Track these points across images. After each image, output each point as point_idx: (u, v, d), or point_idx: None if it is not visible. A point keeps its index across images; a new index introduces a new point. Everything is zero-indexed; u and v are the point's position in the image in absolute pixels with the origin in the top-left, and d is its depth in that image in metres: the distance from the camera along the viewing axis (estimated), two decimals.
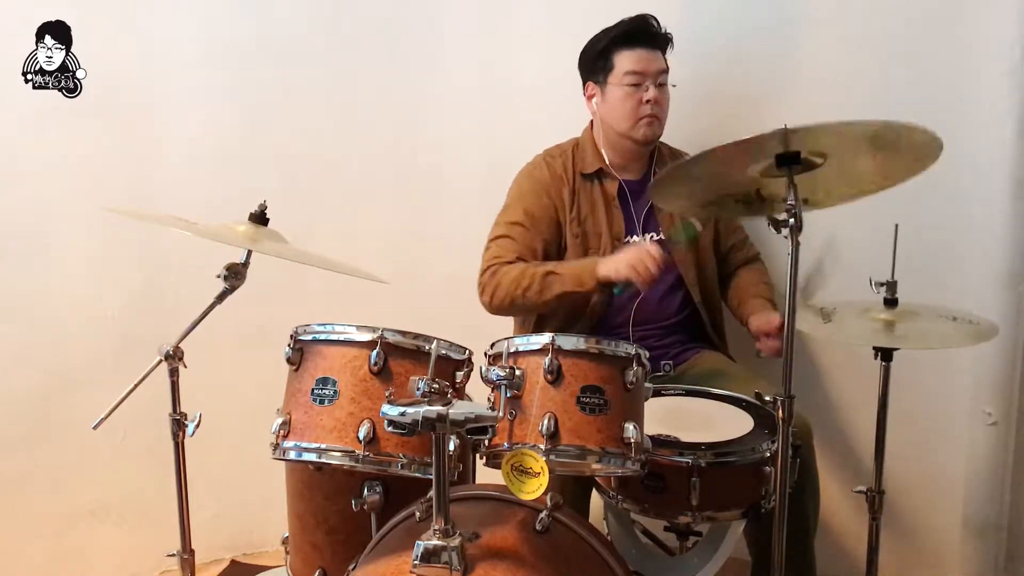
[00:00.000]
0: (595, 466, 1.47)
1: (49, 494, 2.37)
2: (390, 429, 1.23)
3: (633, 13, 2.09)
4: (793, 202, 1.42)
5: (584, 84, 2.17)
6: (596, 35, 2.12)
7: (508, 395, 1.41)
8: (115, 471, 2.43)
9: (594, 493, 1.87)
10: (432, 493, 1.24)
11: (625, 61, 2.07)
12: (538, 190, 2.13)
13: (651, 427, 1.51)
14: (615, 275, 1.92)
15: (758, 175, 1.52)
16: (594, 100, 2.15)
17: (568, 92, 2.23)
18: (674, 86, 2.12)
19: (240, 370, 2.44)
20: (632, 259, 1.89)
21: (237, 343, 2.42)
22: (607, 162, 2.15)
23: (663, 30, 2.10)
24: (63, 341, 2.35)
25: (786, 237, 1.43)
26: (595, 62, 2.13)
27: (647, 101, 2.05)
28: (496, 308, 2.08)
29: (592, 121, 2.20)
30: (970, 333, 1.64)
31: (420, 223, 2.61)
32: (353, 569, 1.52)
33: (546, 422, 1.38)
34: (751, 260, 2.28)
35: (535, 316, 2.14)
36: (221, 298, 1.70)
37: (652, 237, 2.14)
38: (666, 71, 2.10)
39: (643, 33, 2.08)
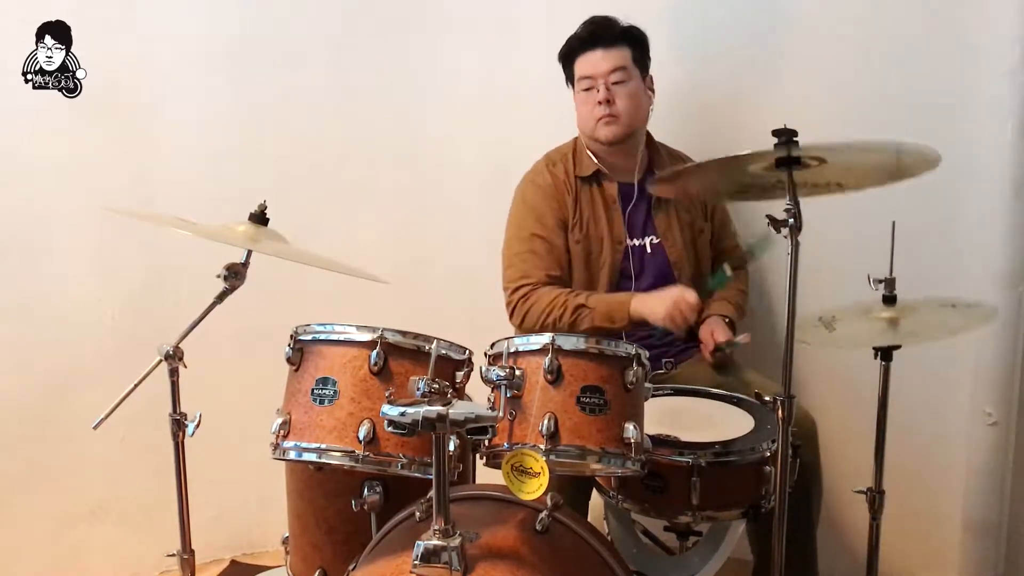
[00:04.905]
0: (595, 466, 1.47)
1: (49, 494, 2.37)
2: (390, 429, 1.22)
3: (631, 14, 2.08)
4: (792, 203, 1.43)
5: None
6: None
7: (508, 395, 1.41)
8: (115, 471, 2.43)
9: (594, 493, 1.87)
10: (432, 493, 1.24)
11: (578, 67, 2.09)
12: (545, 196, 2.12)
13: (651, 427, 1.51)
14: (651, 319, 1.95)
15: (757, 171, 1.52)
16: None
17: (568, 92, 2.24)
18: (629, 76, 2.06)
19: (240, 370, 2.44)
20: (670, 308, 1.92)
21: (237, 343, 2.42)
22: (599, 165, 2.15)
23: (621, 25, 2.07)
24: (63, 341, 2.35)
25: (786, 237, 1.43)
26: (563, 71, 2.15)
27: (599, 103, 2.05)
28: (525, 332, 2.08)
29: None
30: (973, 316, 1.64)
31: (420, 223, 2.61)
32: (353, 569, 1.51)
33: (546, 422, 1.38)
34: (736, 267, 2.26)
35: None
36: (221, 298, 1.70)
37: (652, 241, 2.14)
38: (623, 68, 2.05)
39: (593, 36, 2.07)
